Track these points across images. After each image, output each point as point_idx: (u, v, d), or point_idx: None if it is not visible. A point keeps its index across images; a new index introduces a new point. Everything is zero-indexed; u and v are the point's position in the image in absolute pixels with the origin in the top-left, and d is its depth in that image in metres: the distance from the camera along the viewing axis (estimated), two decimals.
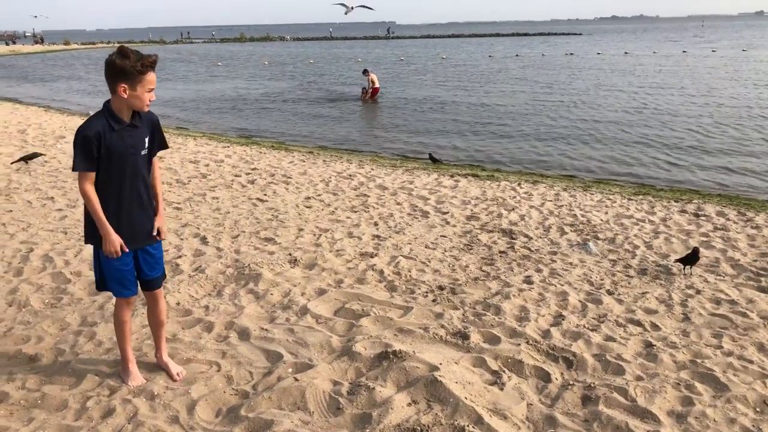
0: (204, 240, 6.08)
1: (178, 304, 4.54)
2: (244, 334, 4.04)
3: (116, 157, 3.10)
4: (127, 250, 3.23)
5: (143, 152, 3.23)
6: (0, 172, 9.18)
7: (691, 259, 5.20)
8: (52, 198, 7.72)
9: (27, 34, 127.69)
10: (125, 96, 3.04)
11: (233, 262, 5.43)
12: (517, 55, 49.47)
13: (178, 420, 3.13)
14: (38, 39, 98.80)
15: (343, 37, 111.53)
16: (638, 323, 4.21)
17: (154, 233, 3.35)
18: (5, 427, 3.10)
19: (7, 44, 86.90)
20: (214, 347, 3.88)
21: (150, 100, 3.13)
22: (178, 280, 4.98)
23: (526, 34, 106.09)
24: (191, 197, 7.83)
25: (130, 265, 3.32)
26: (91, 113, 13.86)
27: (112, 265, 3.26)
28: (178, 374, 3.53)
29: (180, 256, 5.55)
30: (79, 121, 15.52)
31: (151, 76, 3.06)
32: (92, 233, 3.25)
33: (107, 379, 3.51)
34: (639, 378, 3.50)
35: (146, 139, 3.24)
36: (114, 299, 3.47)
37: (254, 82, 30.58)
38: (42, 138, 12.39)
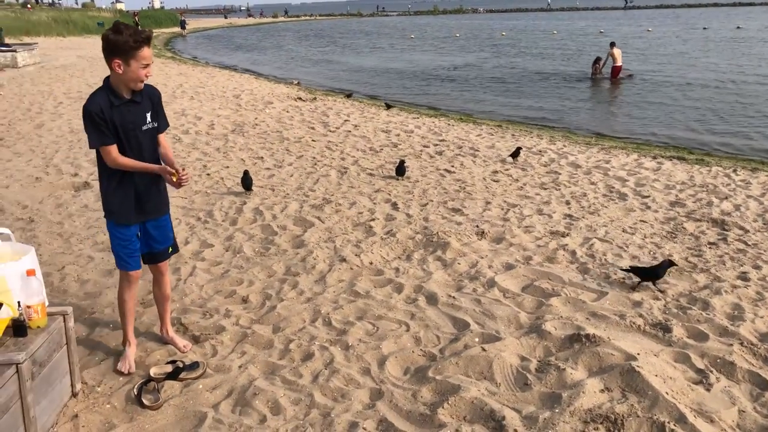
0: (395, 206, 6.28)
1: (371, 263, 4.76)
2: (432, 299, 4.13)
3: (120, 132, 3.09)
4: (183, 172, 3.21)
5: (144, 128, 3.18)
6: (218, 132, 10.25)
7: None
8: (262, 158, 8.46)
9: (242, 8, 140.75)
10: (120, 72, 3.00)
11: (422, 229, 5.55)
12: (738, 27, 44.00)
13: (369, 372, 3.29)
14: (251, 13, 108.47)
15: (561, 7, 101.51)
16: None
17: (174, 177, 3.18)
18: (223, 356, 3.49)
19: (225, 17, 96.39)
20: (403, 308, 4.01)
21: (146, 76, 3.07)
22: (371, 241, 5.21)
23: (750, 4, 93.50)
24: (383, 165, 8.11)
25: (133, 238, 3.30)
26: (295, 82, 14.74)
27: (117, 237, 3.27)
28: (184, 346, 3.57)
29: (373, 219, 5.80)
30: (284, 89, 16.81)
31: (145, 52, 3.00)
32: (110, 211, 3.26)
33: (308, 326, 3.80)
34: None
35: (147, 115, 3.19)
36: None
37: (444, 55, 30.71)
38: (253, 103, 13.60)
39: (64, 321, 3.03)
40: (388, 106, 14.19)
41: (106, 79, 3.11)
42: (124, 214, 3.26)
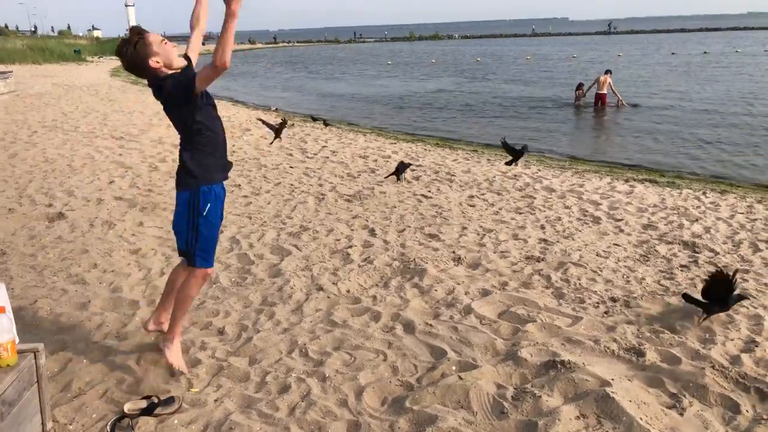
0: (372, 232, 6.30)
1: (348, 291, 4.76)
2: (409, 327, 4.13)
3: None
4: None
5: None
6: None
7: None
8: (239, 185, 8.45)
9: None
10: None
11: (399, 255, 5.57)
12: (705, 53, 45.28)
13: (346, 404, 3.28)
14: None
15: (535, 33, 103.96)
16: None
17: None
18: (198, 391, 3.45)
19: (203, 44, 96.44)
20: (380, 337, 4.01)
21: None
22: (349, 269, 5.22)
23: (717, 29, 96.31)
24: (361, 190, 8.15)
25: None
26: (272, 108, 15.00)
27: (214, 231, 3.40)
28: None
29: (351, 246, 5.81)
30: (261, 115, 16.83)
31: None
32: (187, 181, 3.37)
33: (285, 357, 3.78)
34: None
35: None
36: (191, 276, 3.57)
37: (420, 81, 31.09)
38: (231, 130, 13.59)
39: (35, 358, 2.98)
40: (326, 124, 14.80)
41: None
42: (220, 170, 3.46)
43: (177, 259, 5.47)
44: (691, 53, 45.58)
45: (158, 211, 7.04)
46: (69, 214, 6.88)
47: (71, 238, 6.07)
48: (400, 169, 7.95)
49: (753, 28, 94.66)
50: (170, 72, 3.29)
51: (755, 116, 16.19)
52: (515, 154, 8.63)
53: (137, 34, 3.21)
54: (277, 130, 9.89)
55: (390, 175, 8.10)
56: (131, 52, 3.18)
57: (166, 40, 3.30)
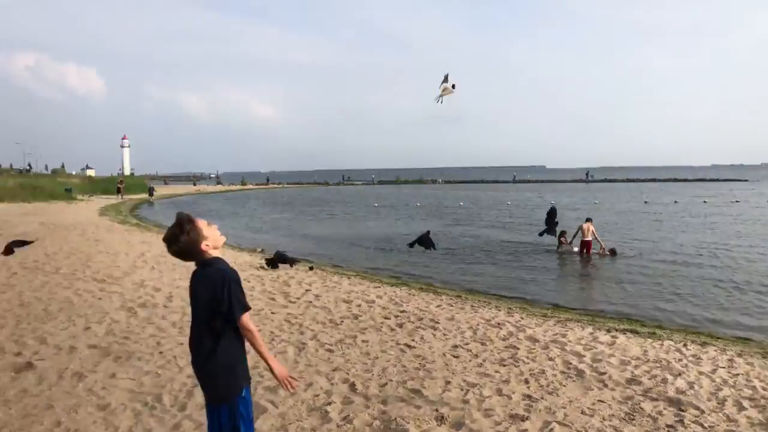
0: (353, 386, 6.14)
1: None
2: None
3: None
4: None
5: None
6: (176, 305, 10.12)
7: None
8: None
9: (211, 175, 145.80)
10: None
11: (380, 413, 5.39)
12: (675, 202, 47.26)
13: None
14: (220, 180, 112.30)
15: (525, 180, 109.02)
16: None
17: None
18: None
19: (194, 184, 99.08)
20: None
21: None
22: (327, 429, 5.02)
23: (685, 180, 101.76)
24: (343, 339, 8.04)
25: None
26: (258, 249, 15.41)
27: (248, 413, 3.42)
28: None
29: (330, 403, 5.63)
30: (247, 257, 16.97)
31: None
32: (246, 376, 3.40)
33: None
34: None
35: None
36: None
37: (405, 223, 31.82)
38: None
39: None
40: (311, 268, 15.02)
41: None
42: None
43: (146, 416, 5.27)
44: (663, 202, 47.43)
45: (133, 361, 6.85)
46: (38, 364, 6.67)
47: (37, 392, 5.84)
48: (425, 239, 8.28)
49: (717, 180, 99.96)
50: (214, 254, 3.43)
51: (719, 268, 16.61)
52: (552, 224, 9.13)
53: (189, 222, 3.35)
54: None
55: (414, 243, 8.50)
56: (185, 239, 3.31)
57: (211, 222, 3.47)
